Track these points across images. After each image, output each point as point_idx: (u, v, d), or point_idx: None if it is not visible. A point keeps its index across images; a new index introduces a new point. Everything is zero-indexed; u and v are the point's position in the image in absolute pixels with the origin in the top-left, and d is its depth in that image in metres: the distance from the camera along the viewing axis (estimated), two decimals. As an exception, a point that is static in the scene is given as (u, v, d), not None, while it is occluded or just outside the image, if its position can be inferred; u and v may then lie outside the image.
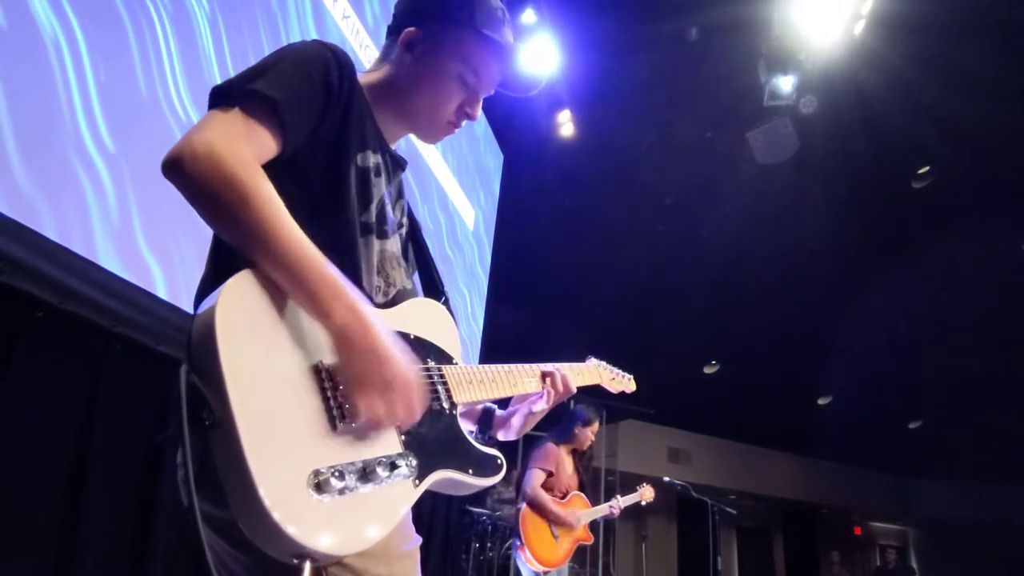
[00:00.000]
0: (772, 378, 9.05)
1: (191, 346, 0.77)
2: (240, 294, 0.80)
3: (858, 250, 7.48)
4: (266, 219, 0.82)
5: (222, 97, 0.90)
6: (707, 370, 9.60)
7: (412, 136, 1.21)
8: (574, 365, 1.45)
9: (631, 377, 1.69)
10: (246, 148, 0.86)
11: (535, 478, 3.54)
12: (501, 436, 1.32)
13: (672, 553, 10.54)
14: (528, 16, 5.31)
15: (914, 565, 13.24)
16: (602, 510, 3.78)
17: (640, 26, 5.29)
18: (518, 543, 3.45)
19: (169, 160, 0.82)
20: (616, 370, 1.64)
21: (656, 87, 5.87)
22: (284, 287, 0.84)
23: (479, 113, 1.15)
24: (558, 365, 1.33)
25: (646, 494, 3.98)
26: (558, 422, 3.82)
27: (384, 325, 0.87)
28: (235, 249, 0.86)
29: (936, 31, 4.99)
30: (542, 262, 7.43)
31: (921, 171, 6.57)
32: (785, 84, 5.28)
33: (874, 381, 9.48)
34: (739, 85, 5.61)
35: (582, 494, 3.76)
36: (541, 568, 3.42)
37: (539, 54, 5.47)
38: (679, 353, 8.64)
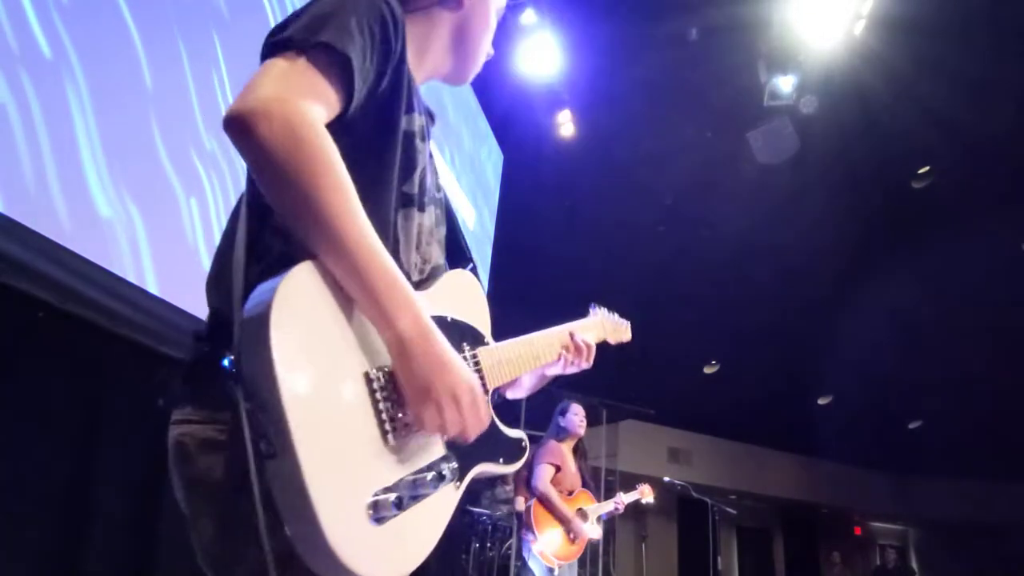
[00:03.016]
0: (772, 378, 9.04)
1: (243, 359, 0.70)
2: (295, 302, 0.73)
3: (858, 249, 7.48)
4: (338, 205, 0.74)
5: (284, 46, 0.80)
6: (707, 370, 9.59)
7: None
8: (585, 322, 1.44)
9: (628, 324, 1.68)
10: (318, 112, 0.77)
11: (544, 472, 3.58)
12: (510, 395, 1.29)
13: (672, 553, 10.54)
14: (528, 16, 5.31)
15: (914, 565, 13.24)
16: (607, 506, 3.83)
17: (640, 26, 5.28)
18: (531, 538, 3.48)
19: (236, 116, 0.73)
20: (615, 318, 1.63)
21: (656, 87, 5.86)
22: (342, 280, 0.77)
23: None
24: (571, 325, 1.33)
25: (645, 492, 4.02)
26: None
27: (440, 334, 0.82)
28: (271, 221, 0.80)
29: (936, 31, 4.99)
30: (542, 262, 7.43)
31: (921, 171, 6.57)
32: (785, 84, 5.28)
33: (874, 381, 9.47)
34: (739, 85, 5.61)
35: (587, 491, 3.81)
36: (556, 562, 3.45)
37: (539, 54, 5.47)
38: (679, 353, 8.64)
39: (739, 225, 7.05)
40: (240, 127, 0.73)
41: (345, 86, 0.82)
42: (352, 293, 0.78)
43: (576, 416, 3.82)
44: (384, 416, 0.79)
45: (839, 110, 5.68)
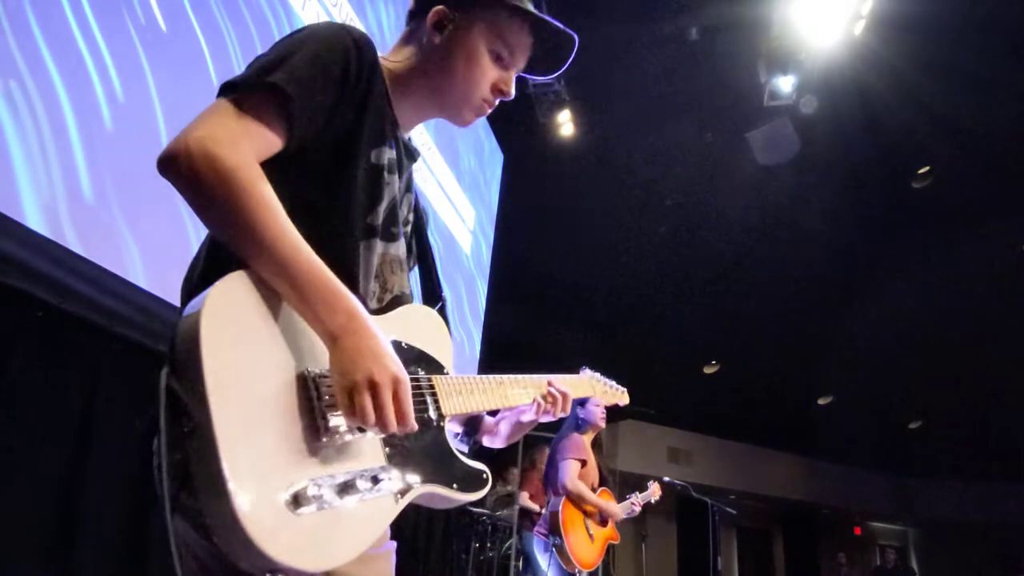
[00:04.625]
0: (772, 378, 9.05)
1: (174, 349, 0.74)
2: (228, 299, 0.77)
3: (858, 250, 7.48)
4: (261, 222, 0.80)
5: (230, 89, 0.87)
6: (707, 370, 9.60)
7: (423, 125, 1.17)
8: (567, 377, 1.39)
9: (624, 391, 1.64)
10: (245, 146, 0.83)
11: (572, 469, 3.40)
12: (486, 442, 1.28)
13: (672, 553, 10.54)
14: (528, 16, 5.30)
15: (914, 565, 13.24)
16: (626, 507, 3.70)
17: (640, 26, 5.29)
18: (557, 541, 3.31)
19: (164, 157, 0.80)
20: (610, 383, 1.60)
21: (656, 87, 5.86)
22: (279, 290, 0.82)
23: (513, 89, 1.11)
24: (552, 377, 1.28)
25: (656, 490, 3.95)
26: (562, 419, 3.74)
27: (383, 333, 0.84)
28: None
29: (936, 31, 4.99)
30: (542, 262, 7.43)
31: (921, 171, 6.57)
32: (785, 84, 5.28)
33: (874, 381, 9.48)
34: (739, 85, 5.61)
35: (607, 488, 3.68)
36: (578, 568, 3.31)
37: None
38: (679, 353, 8.65)
39: (739, 225, 7.05)
40: (166, 166, 0.80)
41: (285, 122, 0.87)
42: (289, 300, 0.82)
43: (597, 407, 3.62)
44: (317, 415, 0.80)
45: (839, 110, 5.68)
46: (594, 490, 3.55)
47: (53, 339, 2.02)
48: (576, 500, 3.39)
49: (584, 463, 3.48)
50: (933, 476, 12.12)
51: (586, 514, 3.47)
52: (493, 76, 1.08)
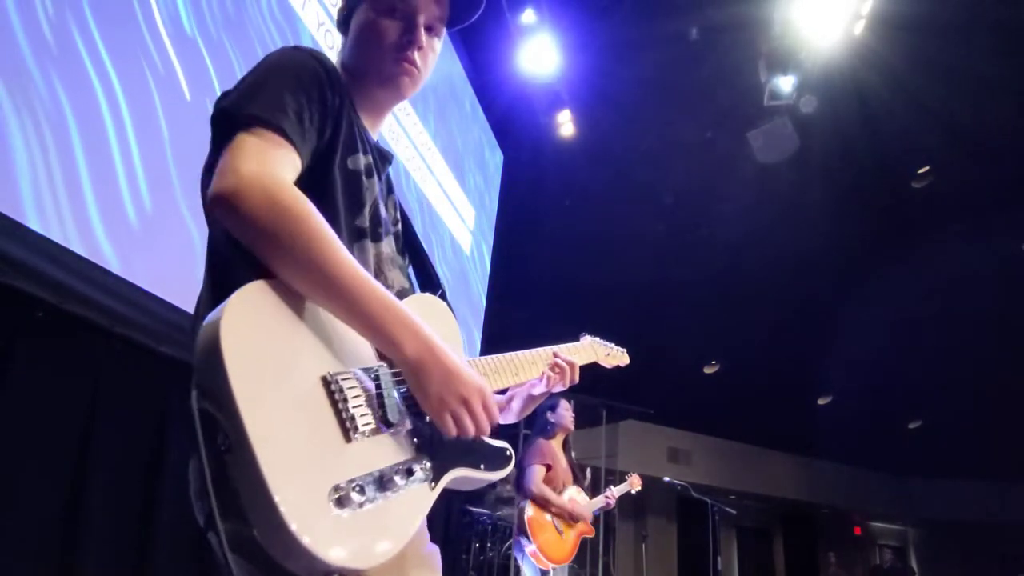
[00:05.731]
0: (772, 378, 9.04)
1: (197, 367, 0.75)
2: (244, 310, 0.78)
3: (858, 250, 7.48)
4: (327, 254, 0.82)
5: (237, 124, 0.88)
6: (707, 370, 9.59)
7: (406, 125, 1.20)
8: (570, 345, 1.47)
9: (624, 351, 1.70)
10: (288, 175, 0.86)
11: (536, 474, 3.57)
12: (500, 419, 1.33)
13: (672, 553, 10.54)
14: (528, 16, 5.31)
15: (914, 565, 13.24)
16: (599, 501, 3.83)
17: (640, 26, 5.29)
18: (525, 542, 3.46)
19: (221, 196, 0.80)
20: (610, 345, 1.65)
21: (656, 87, 5.86)
22: (346, 319, 0.86)
23: (421, 37, 1.09)
24: (556, 348, 1.37)
25: (634, 482, 4.02)
26: (534, 422, 3.87)
27: (444, 345, 0.89)
28: (231, 262, 0.85)
29: (936, 31, 4.99)
30: (542, 262, 7.43)
31: (921, 171, 6.57)
32: (785, 84, 5.28)
33: (874, 381, 9.48)
34: (739, 85, 5.61)
35: (579, 487, 3.80)
36: (550, 565, 3.45)
37: (539, 54, 5.47)
38: (679, 353, 8.63)
39: (739, 224, 7.05)
40: (225, 207, 0.80)
41: (294, 150, 0.90)
42: (356, 327, 0.87)
43: (567, 412, 3.82)
44: (344, 417, 0.82)
45: (839, 110, 5.68)
46: (562, 490, 3.68)
47: (53, 339, 2.02)
48: (542, 504, 3.54)
49: (549, 467, 3.63)
50: (933, 476, 12.12)
51: (554, 514, 3.59)
52: (393, 32, 1.08)
